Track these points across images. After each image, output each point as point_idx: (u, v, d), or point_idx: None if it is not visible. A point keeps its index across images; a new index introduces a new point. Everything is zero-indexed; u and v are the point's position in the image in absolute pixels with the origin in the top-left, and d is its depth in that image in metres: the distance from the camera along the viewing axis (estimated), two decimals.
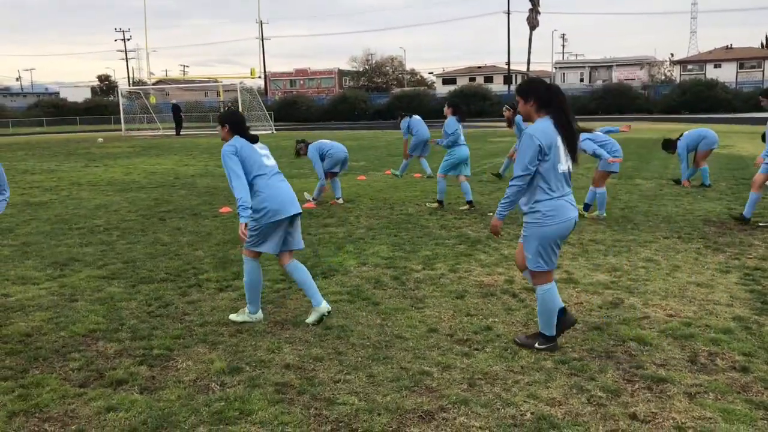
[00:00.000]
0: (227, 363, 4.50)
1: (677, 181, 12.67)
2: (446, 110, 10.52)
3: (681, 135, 12.47)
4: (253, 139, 5.25)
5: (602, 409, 3.76)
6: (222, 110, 43.80)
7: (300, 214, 5.26)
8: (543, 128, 4.34)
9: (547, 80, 60.57)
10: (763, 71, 73.09)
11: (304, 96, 68.81)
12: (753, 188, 8.65)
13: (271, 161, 5.27)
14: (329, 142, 11.14)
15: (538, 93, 4.42)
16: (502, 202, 4.48)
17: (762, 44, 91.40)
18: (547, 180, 4.37)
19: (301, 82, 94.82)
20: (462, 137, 10.29)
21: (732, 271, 6.46)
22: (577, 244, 7.81)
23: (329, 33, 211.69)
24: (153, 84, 71.41)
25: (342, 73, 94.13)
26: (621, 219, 9.27)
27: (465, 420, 3.67)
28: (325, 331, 5.08)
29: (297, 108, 61.42)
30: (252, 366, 4.45)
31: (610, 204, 10.47)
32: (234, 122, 5.24)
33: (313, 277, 6.55)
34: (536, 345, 4.64)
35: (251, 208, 4.97)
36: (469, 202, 10.34)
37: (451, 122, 10.20)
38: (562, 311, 4.64)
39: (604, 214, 9.35)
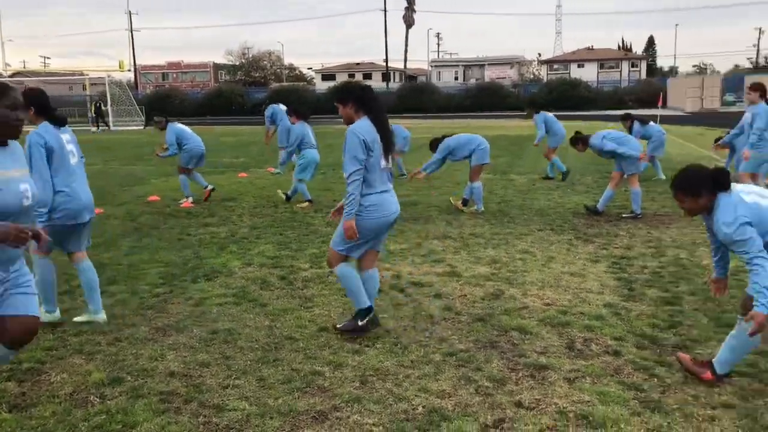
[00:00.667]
0: (106, 374, 4.26)
1: (546, 177, 13.32)
2: (291, 119, 10.87)
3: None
4: (61, 122, 4.98)
5: (490, 399, 3.89)
6: (90, 105, 40.94)
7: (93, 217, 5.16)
8: (364, 126, 4.57)
9: (424, 78, 61.48)
10: (620, 71, 78.44)
11: (177, 90, 66.40)
12: (611, 185, 9.23)
13: (75, 158, 5.03)
14: (190, 133, 10.82)
15: (355, 95, 4.66)
16: (347, 201, 4.57)
17: (619, 46, 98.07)
18: (370, 175, 4.56)
19: (174, 75, 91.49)
20: (312, 141, 10.51)
21: (601, 261, 6.89)
22: (459, 238, 8.04)
23: (204, 26, 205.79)
24: (9, 76, 66.48)
25: (218, 67, 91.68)
26: (498, 213, 9.64)
27: (359, 418, 3.68)
28: (211, 335, 4.93)
29: (170, 102, 59.12)
30: (134, 375, 4.25)
31: (487, 198, 10.85)
32: (41, 104, 4.92)
33: (195, 280, 6.36)
34: (358, 322, 4.81)
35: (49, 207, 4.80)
36: (309, 201, 10.47)
37: (295, 129, 10.47)
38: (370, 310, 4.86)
39: (482, 208, 9.68)
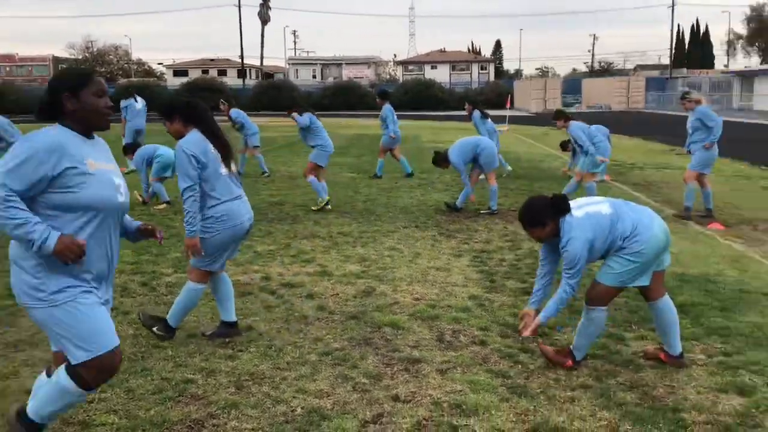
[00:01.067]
0: None
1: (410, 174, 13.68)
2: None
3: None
4: None
5: (367, 395, 3.95)
6: None
7: None
8: (191, 140, 4.52)
9: (281, 76, 60.67)
10: (470, 73, 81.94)
11: (11, 85, 61.26)
12: (471, 183, 9.66)
13: None
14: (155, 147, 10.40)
15: (180, 110, 4.63)
16: (187, 219, 4.49)
17: (469, 49, 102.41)
18: (212, 186, 4.52)
19: (8, 69, 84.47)
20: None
21: (464, 255, 7.19)
22: (327, 237, 8.07)
23: (42, 15, 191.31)
24: None
25: (58, 61, 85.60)
26: (364, 211, 9.78)
27: (236, 424, 3.61)
28: None
29: (2, 98, 54.52)
30: None
31: (353, 197, 10.99)
32: None
33: None
34: (155, 330, 4.77)
35: None
36: (167, 202, 10.20)
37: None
38: (235, 324, 4.88)
39: (327, 204, 9.70)
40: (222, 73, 77.87)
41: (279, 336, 4.90)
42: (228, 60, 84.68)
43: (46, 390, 3.08)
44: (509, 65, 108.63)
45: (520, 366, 4.36)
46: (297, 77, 77.90)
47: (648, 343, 4.73)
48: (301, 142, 10.59)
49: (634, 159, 16.87)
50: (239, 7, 65.68)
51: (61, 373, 3.01)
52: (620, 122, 30.59)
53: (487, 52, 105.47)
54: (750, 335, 4.82)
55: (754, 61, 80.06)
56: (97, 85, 3.03)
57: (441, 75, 75.35)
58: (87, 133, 3.05)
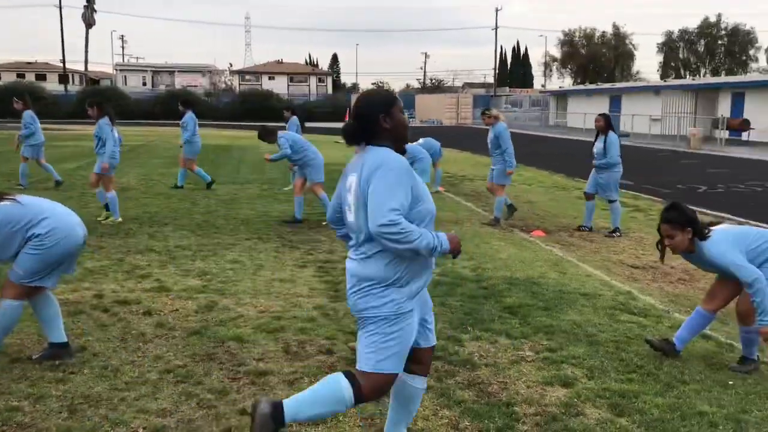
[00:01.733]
0: None
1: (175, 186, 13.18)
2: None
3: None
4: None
5: (213, 411, 3.87)
6: None
7: None
8: None
9: (108, 82, 57.50)
10: (309, 85, 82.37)
11: None
12: (296, 192, 9.76)
13: None
14: None
15: None
16: None
17: (306, 61, 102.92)
18: (35, 201, 4.37)
19: None
20: None
21: (308, 266, 7.22)
22: (164, 251, 7.77)
23: None
24: None
25: None
26: (203, 224, 9.51)
27: None
28: None
29: None
30: None
31: (190, 210, 10.65)
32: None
33: None
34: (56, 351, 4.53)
35: None
36: None
37: None
38: (66, 345, 4.61)
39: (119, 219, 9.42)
40: (41, 77, 72.23)
41: (115, 355, 4.65)
42: (48, 64, 78.76)
43: (320, 392, 3.08)
44: (346, 79, 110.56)
45: None
46: (126, 84, 74.04)
47: (483, 342, 5.03)
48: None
49: (465, 171, 17.86)
50: (60, 7, 61.34)
51: (341, 380, 3.06)
52: (450, 137, 32.18)
53: (324, 65, 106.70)
54: (570, 332, 5.28)
55: (567, 82, 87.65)
56: (400, 102, 3.23)
57: (279, 86, 75.03)
58: (400, 149, 3.15)
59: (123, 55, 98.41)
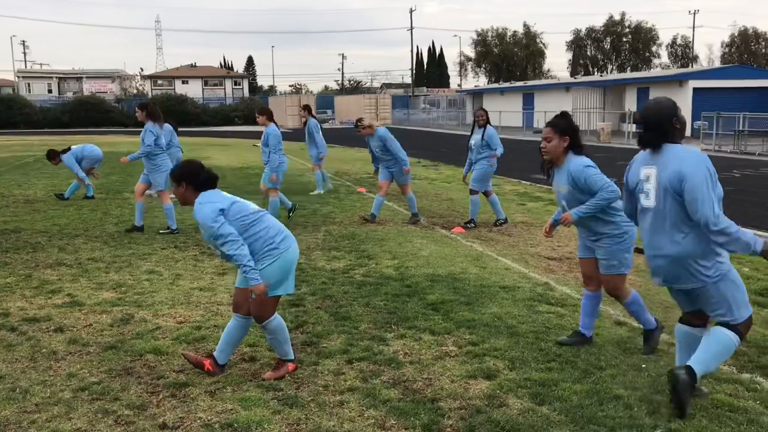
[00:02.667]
0: None
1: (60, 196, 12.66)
2: None
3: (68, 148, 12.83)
4: None
5: (132, 426, 3.73)
6: None
7: None
8: None
9: (10, 90, 54.85)
10: (224, 89, 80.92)
11: None
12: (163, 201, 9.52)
13: None
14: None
15: None
16: None
17: (221, 64, 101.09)
18: None
19: None
20: None
21: (228, 273, 7.07)
22: (75, 264, 7.44)
23: None
24: None
25: None
26: (116, 234, 9.17)
27: None
28: None
29: None
30: None
31: (103, 219, 10.26)
32: None
33: None
34: None
35: None
36: None
37: None
38: None
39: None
40: None
41: (24, 376, 4.41)
42: None
43: (712, 348, 3.80)
44: (263, 81, 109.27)
45: (289, 377, 4.41)
46: (30, 92, 70.67)
47: (408, 340, 5.06)
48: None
49: None
50: None
51: (724, 332, 3.79)
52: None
53: (239, 67, 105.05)
54: (491, 324, 5.38)
55: (482, 81, 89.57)
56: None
57: (193, 90, 73.39)
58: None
59: (25, 61, 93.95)
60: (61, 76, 77.87)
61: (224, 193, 4.35)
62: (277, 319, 4.41)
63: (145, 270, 7.20)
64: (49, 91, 73.84)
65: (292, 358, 4.51)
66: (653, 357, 4.74)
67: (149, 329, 5.32)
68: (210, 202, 4.19)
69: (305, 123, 13.76)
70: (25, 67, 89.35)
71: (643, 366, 4.57)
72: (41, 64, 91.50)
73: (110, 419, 3.82)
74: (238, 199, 4.36)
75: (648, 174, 3.86)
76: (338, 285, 6.56)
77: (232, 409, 3.94)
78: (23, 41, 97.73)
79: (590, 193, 4.66)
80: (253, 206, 4.35)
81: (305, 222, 10.11)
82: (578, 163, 4.74)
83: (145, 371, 4.51)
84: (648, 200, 3.87)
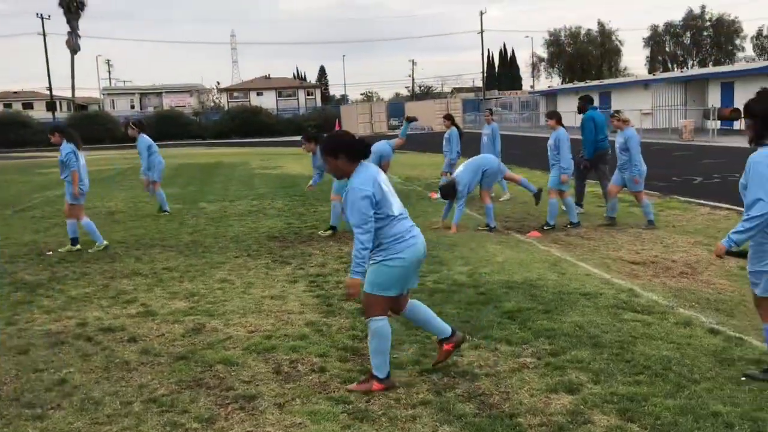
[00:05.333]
0: None
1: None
2: None
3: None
4: None
5: None
6: None
7: None
8: None
9: (96, 107, 57.19)
10: (297, 99, 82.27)
11: None
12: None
13: None
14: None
15: None
16: None
17: (294, 75, 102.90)
18: None
19: None
20: None
21: (299, 281, 7.00)
22: (151, 274, 7.54)
23: None
24: None
25: None
26: (191, 243, 9.29)
27: None
28: None
29: None
30: None
31: (178, 229, 10.43)
32: None
33: None
34: None
35: None
36: None
37: None
38: None
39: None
40: (28, 106, 71.99)
41: (97, 387, 4.42)
42: (35, 92, 78.53)
43: None
44: (335, 90, 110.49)
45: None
46: (114, 108, 73.83)
47: (483, 351, 4.82)
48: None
49: None
50: (44, 35, 61.19)
51: None
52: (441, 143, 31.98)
53: (312, 77, 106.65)
54: (573, 334, 5.07)
55: (555, 81, 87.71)
56: None
57: (267, 101, 74.90)
58: None
59: (110, 79, 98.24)
60: (143, 92, 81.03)
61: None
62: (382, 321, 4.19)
63: (218, 279, 7.21)
64: (132, 107, 76.94)
65: (382, 377, 4.23)
66: (753, 368, 4.33)
67: (220, 339, 5.28)
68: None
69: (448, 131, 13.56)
70: (110, 84, 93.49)
71: (743, 379, 4.18)
72: (124, 81, 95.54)
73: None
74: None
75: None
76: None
77: (300, 423, 3.81)
78: (108, 60, 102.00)
79: None
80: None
81: None
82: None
83: (214, 383, 4.45)
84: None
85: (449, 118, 13.63)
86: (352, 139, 4.27)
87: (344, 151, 4.17)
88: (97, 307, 6.29)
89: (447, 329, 4.49)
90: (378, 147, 10.27)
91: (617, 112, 10.29)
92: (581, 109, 10.99)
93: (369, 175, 4.14)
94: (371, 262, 4.12)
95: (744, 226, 3.94)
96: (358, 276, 4.03)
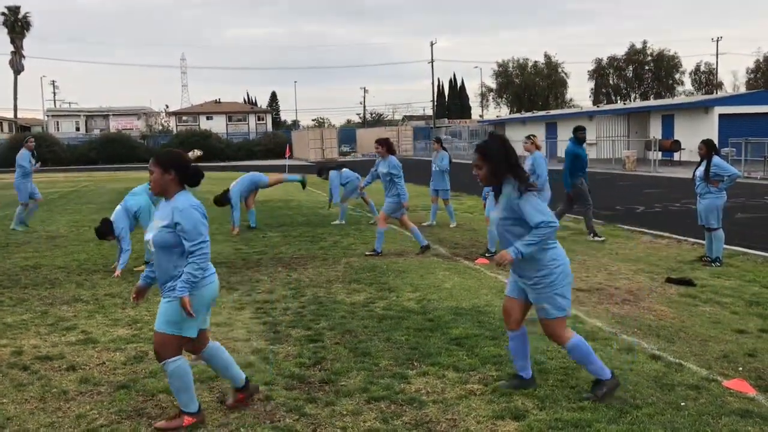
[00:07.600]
0: None
1: None
2: None
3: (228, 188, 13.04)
4: None
5: None
6: None
7: None
8: None
9: (40, 129, 56.05)
10: (248, 124, 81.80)
11: None
12: None
13: None
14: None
15: None
16: None
17: (244, 100, 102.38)
18: None
19: None
20: None
21: (246, 307, 6.90)
22: (92, 300, 7.32)
23: None
24: None
25: None
26: (134, 269, 9.07)
27: None
28: None
29: None
30: None
31: (114, 257, 10.17)
32: None
33: None
34: None
35: None
36: None
37: None
38: None
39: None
40: None
41: (32, 418, 4.25)
42: None
43: None
44: (286, 116, 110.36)
45: (305, 418, 4.19)
46: (58, 130, 72.06)
47: (431, 378, 4.82)
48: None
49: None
50: None
51: None
52: None
53: (263, 103, 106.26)
54: None
55: (504, 111, 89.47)
56: None
57: (217, 126, 74.30)
58: None
59: (54, 100, 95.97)
60: (89, 114, 79.37)
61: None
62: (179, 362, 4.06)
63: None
64: (77, 129, 75.23)
65: (191, 411, 4.11)
66: (693, 394, 4.45)
67: (162, 368, 5.13)
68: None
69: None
70: (54, 106, 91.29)
71: (683, 404, 4.28)
72: (69, 103, 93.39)
73: None
74: None
75: None
76: (358, 319, 6.35)
77: None
78: (53, 81, 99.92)
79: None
80: None
81: (325, 254, 9.94)
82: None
83: (156, 412, 4.33)
84: None
85: (438, 142, 14.34)
86: (189, 162, 4.22)
87: (178, 171, 4.12)
88: (35, 334, 6.07)
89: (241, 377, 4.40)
90: (255, 176, 11.76)
91: (532, 136, 10.65)
92: (582, 139, 11.34)
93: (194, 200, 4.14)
94: (166, 299, 4.15)
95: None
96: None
